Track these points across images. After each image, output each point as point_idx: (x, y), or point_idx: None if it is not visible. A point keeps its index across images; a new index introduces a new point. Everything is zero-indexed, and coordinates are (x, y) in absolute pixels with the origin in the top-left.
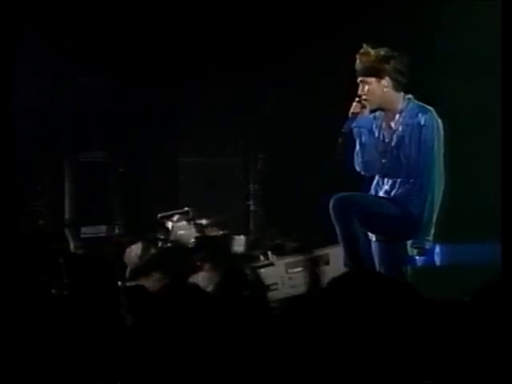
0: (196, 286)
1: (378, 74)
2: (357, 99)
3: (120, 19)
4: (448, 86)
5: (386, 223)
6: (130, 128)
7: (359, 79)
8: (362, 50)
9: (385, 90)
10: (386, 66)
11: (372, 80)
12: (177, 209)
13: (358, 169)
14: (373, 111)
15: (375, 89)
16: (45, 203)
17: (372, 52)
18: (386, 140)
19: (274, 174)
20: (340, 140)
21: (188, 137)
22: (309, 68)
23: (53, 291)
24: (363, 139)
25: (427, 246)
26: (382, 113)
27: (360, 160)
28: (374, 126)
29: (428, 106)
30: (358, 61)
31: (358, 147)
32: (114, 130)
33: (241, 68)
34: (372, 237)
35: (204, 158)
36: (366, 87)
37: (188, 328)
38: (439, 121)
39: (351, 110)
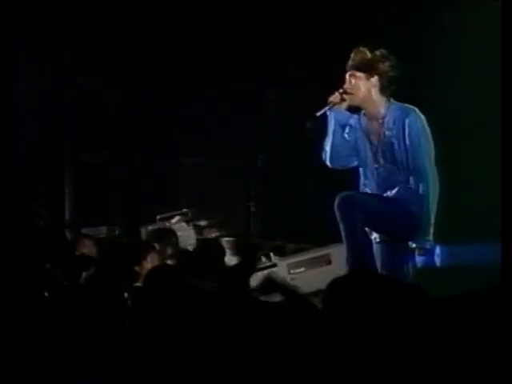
0: (197, 287)
1: (369, 70)
2: (340, 90)
3: (120, 19)
4: (448, 86)
5: (391, 222)
6: (130, 128)
7: (349, 73)
8: (358, 49)
9: (372, 89)
10: (380, 66)
11: (362, 75)
12: (177, 210)
13: (323, 157)
14: (352, 108)
15: (362, 85)
16: (45, 203)
17: (367, 51)
18: (375, 146)
19: (274, 173)
20: (309, 123)
21: (188, 137)
22: (309, 68)
23: (52, 291)
24: (333, 130)
25: (428, 245)
26: (365, 118)
27: (326, 149)
28: (351, 121)
29: (409, 105)
30: (351, 57)
31: (326, 137)
32: (114, 130)
33: (241, 68)
34: (376, 237)
35: (204, 159)
36: (354, 81)
37: (189, 329)
38: (423, 118)
39: (330, 99)
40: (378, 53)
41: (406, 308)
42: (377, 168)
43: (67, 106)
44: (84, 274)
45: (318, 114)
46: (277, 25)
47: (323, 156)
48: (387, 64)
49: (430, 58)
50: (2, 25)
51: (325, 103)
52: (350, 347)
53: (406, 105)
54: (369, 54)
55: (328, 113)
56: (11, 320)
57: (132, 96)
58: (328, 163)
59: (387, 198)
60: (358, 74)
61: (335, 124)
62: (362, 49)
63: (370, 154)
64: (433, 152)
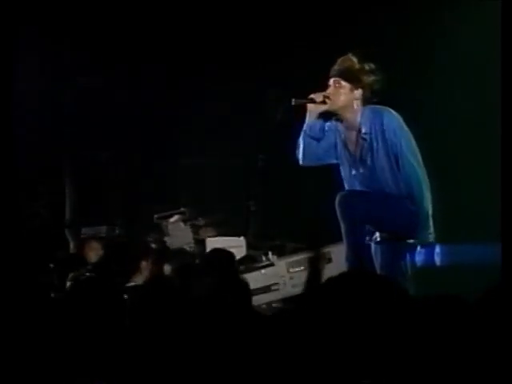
0: (195, 287)
1: (355, 82)
2: (323, 93)
3: (120, 19)
4: (448, 86)
5: (391, 221)
6: (130, 128)
7: (333, 79)
8: (346, 56)
9: (354, 101)
10: (365, 79)
11: (346, 85)
12: (177, 209)
13: (296, 154)
14: (328, 112)
15: (345, 94)
16: (45, 203)
17: (356, 61)
18: (354, 155)
19: (274, 174)
20: (282, 108)
21: (188, 137)
22: (309, 68)
23: (53, 291)
24: (306, 131)
25: (431, 239)
26: (343, 127)
27: (299, 148)
28: (327, 125)
29: (382, 107)
30: (338, 63)
31: (300, 136)
32: (113, 130)
33: (241, 68)
34: (377, 237)
35: (204, 159)
36: (338, 89)
37: (187, 329)
38: (398, 116)
39: (313, 96)
40: (366, 67)
41: (401, 308)
42: (359, 175)
43: (67, 106)
44: (83, 273)
45: (294, 103)
46: (277, 25)
47: (297, 154)
48: (373, 78)
49: (430, 58)
50: (2, 25)
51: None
52: (345, 346)
53: (379, 106)
54: (357, 65)
55: (307, 115)
56: (11, 320)
57: (132, 96)
58: (300, 162)
59: (388, 196)
60: (344, 83)
61: (310, 125)
62: (350, 57)
63: (351, 162)
64: (414, 145)
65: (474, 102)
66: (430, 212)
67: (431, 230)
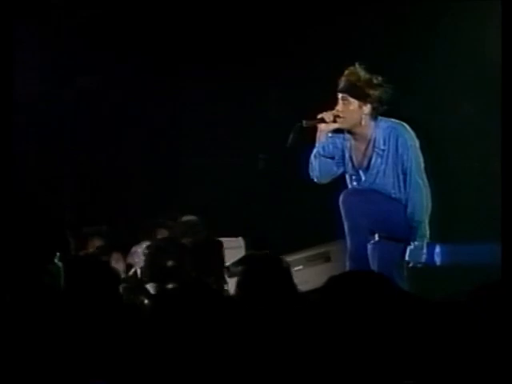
0: (197, 288)
1: (363, 97)
2: (333, 112)
3: (120, 19)
4: (448, 85)
5: (393, 222)
6: (131, 128)
7: (341, 95)
8: (351, 69)
9: (363, 116)
10: (373, 93)
11: (355, 102)
12: (176, 210)
13: (310, 173)
14: (339, 130)
15: (355, 111)
16: (45, 204)
17: (362, 74)
18: (363, 167)
19: (274, 173)
20: (294, 132)
21: (188, 137)
22: (309, 68)
23: (54, 292)
24: (319, 152)
25: (425, 243)
26: (352, 139)
27: (314, 168)
28: (337, 141)
29: (397, 122)
30: (344, 77)
31: (313, 158)
32: (114, 129)
33: (241, 68)
34: (375, 236)
35: (204, 159)
36: (347, 107)
37: (189, 330)
38: (412, 134)
39: (323, 115)
40: (374, 80)
41: (403, 309)
42: (361, 187)
43: (67, 106)
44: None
45: (305, 124)
46: (277, 25)
47: (310, 174)
48: (381, 91)
49: (430, 58)
50: (2, 24)
51: (324, 106)
52: (347, 346)
53: (394, 121)
54: (364, 79)
55: (318, 134)
56: (12, 320)
57: (131, 96)
58: (316, 179)
59: (392, 199)
60: (352, 99)
61: (323, 145)
62: (356, 70)
63: (355, 174)
64: (422, 162)
65: (474, 102)
66: (428, 234)
67: (426, 238)
